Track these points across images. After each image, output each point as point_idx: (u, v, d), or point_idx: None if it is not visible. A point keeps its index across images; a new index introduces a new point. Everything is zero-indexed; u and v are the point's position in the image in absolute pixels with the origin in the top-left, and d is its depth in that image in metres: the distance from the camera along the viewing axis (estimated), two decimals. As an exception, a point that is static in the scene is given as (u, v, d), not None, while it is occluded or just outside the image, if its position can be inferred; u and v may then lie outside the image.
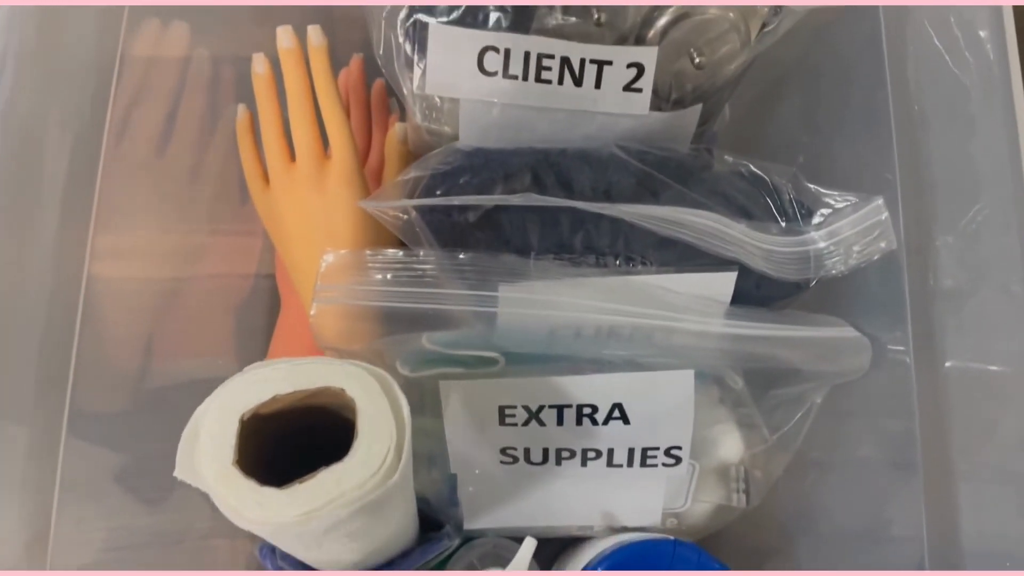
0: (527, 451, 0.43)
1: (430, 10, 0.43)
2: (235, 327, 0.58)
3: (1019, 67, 0.44)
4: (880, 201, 0.41)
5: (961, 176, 0.45)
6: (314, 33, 0.48)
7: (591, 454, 0.43)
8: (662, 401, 0.41)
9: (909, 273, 0.42)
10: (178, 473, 0.32)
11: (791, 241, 0.42)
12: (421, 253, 0.40)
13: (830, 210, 0.43)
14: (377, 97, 0.60)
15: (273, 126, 0.49)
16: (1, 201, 0.45)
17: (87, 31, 0.50)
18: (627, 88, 0.44)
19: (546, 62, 0.43)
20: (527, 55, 0.43)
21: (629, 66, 0.43)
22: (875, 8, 0.46)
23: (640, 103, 0.44)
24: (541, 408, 0.41)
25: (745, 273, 0.42)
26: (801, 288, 0.43)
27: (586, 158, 0.43)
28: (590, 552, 0.45)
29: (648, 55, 0.43)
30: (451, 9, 0.43)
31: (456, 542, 0.45)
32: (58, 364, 0.47)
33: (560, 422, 0.42)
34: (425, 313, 0.40)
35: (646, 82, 0.44)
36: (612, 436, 0.42)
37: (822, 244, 0.42)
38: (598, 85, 0.44)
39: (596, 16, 0.42)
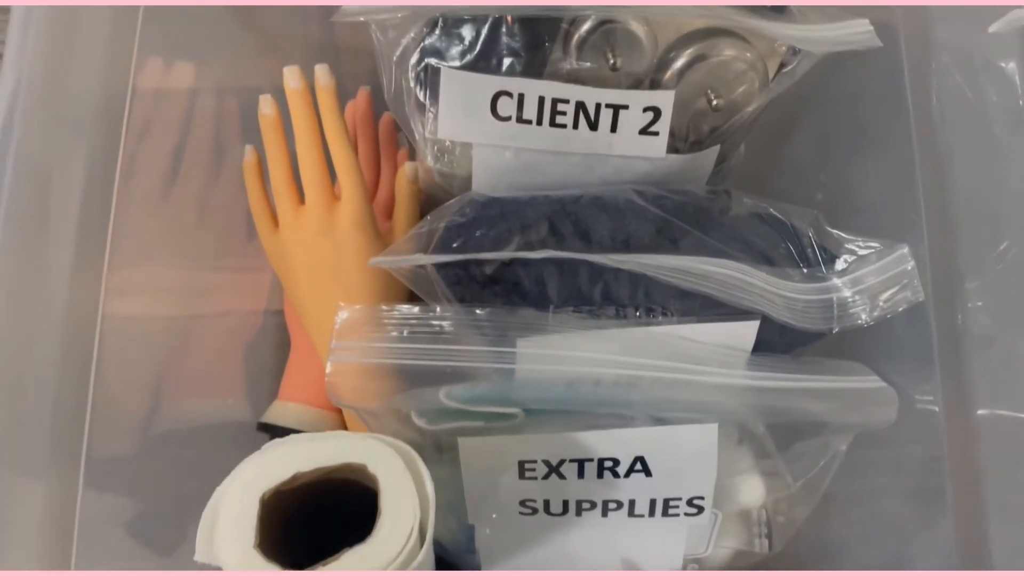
0: (547, 503, 0.43)
1: (442, 55, 0.42)
2: (245, 366, 0.57)
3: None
4: (905, 249, 0.40)
5: (987, 213, 0.44)
6: (321, 73, 0.47)
7: (612, 505, 0.43)
8: (685, 454, 0.40)
9: (936, 318, 0.41)
10: (198, 557, 0.31)
11: (813, 288, 0.41)
12: (438, 309, 0.39)
13: (854, 256, 0.42)
14: (385, 130, 0.59)
15: (282, 168, 0.48)
16: (14, 241, 0.44)
17: (96, 65, 0.49)
18: (644, 132, 0.43)
19: (561, 106, 0.42)
20: (541, 99, 0.42)
21: (646, 110, 0.42)
22: (896, 41, 0.45)
23: (657, 147, 0.43)
24: (562, 462, 0.41)
25: (768, 321, 0.41)
26: (824, 333, 0.43)
27: (603, 206, 0.42)
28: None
29: (665, 99, 0.42)
30: (463, 53, 0.42)
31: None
32: (73, 409, 0.47)
33: (581, 475, 0.41)
34: (443, 370, 0.39)
35: (663, 125, 0.43)
36: (634, 488, 0.42)
37: (846, 293, 0.41)
38: (614, 129, 0.43)
39: (612, 61, 0.41)
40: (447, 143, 0.45)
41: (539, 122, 0.43)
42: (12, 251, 0.43)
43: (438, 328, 0.39)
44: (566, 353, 0.39)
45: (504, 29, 0.41)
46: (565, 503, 0.43)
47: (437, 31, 0.42)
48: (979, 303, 0.42)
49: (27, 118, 0.44)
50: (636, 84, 0.43)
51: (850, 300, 0.41)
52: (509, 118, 0.43)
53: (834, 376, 0.41)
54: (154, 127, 0.52)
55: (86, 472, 0.44)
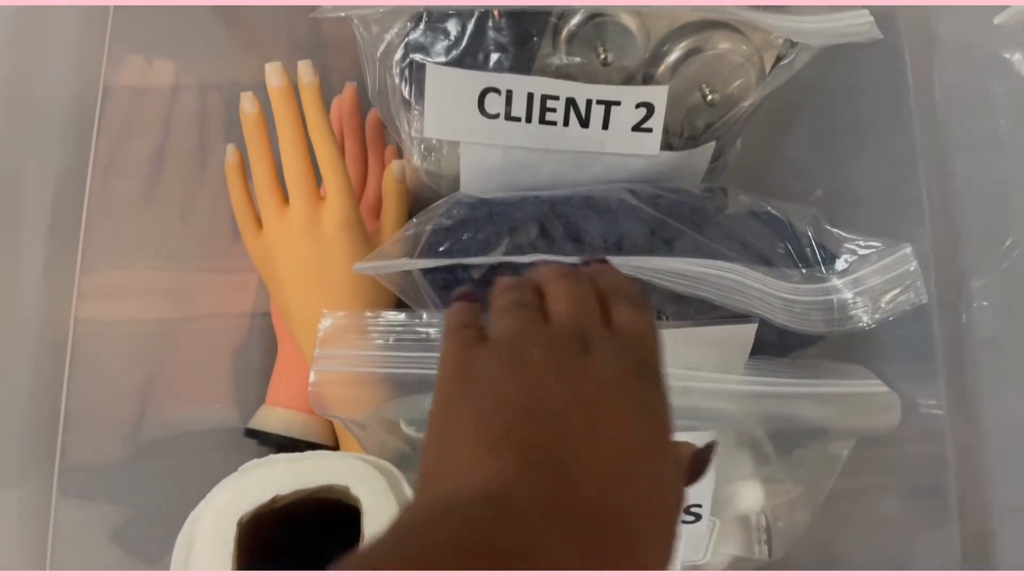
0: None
1: (427, 50, 0.41)
2: (232, 369, 0.56)
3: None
4: (908, 249, 0.39)
5: (991, 210, 0.42)
6: (305, 69, 0.45)
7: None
8: (681, 462, 0.39)
9: (940, 318, 0.40)
10: (174, 581, 0.30)
11: (813, 289, 0.40)
12: (424, 315, 0.38)
13: (854, 256, 0.40)
14: (372, 127, 0.57)
15: (265, 168, 0.47)
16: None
17: (66, 64, 0.48)
18: (636, 128, 0.42)
19: (550, 103, 0.41)
20: (530, 96, 0.41)
21: (638, 106, 0.41)
22: (896, 33, 0.44)
23: (651, 144, 0.42)
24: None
25: (766, 323, 0.40)
26: (824, 336, 0.41)
27: (594, 206, 0.41)
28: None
29: (658, 94, 0.41)
30: (449, 49, 0.41)
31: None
32: (47, 415, 0.46)
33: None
34: (431, 378, 0.38)
35: (656, 122, 0.41)
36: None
37: (847, 294, 0.40)
38: (606, 126, 0.41)
39: (603, 55, 0.40)
40: (434, 142, 0.44)
41: (528, 119, 0.41)
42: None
43: (424, 336, 0.38)
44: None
45: (491, 23, 0.40)
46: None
47: (421, 26, 0.41)
48: (984, 303, 0.41)
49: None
50: (628, 79, 0.41)
51: (850, 302, 0.40)
52: (497, 115, 0.41)
53: (835, 380, 0.39)
54: (133, 126, 0.51)
55: (60, 480, 0.43)
